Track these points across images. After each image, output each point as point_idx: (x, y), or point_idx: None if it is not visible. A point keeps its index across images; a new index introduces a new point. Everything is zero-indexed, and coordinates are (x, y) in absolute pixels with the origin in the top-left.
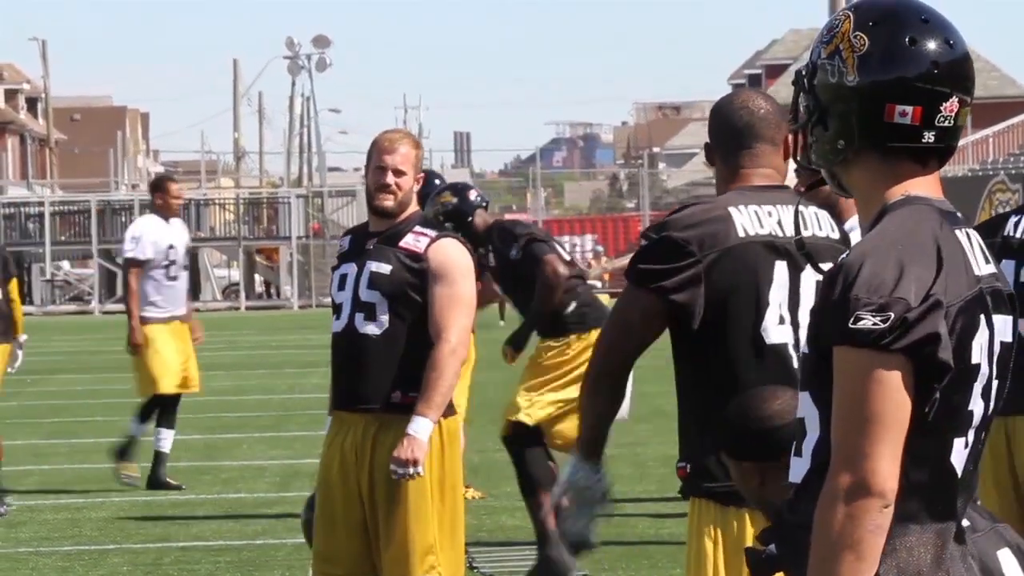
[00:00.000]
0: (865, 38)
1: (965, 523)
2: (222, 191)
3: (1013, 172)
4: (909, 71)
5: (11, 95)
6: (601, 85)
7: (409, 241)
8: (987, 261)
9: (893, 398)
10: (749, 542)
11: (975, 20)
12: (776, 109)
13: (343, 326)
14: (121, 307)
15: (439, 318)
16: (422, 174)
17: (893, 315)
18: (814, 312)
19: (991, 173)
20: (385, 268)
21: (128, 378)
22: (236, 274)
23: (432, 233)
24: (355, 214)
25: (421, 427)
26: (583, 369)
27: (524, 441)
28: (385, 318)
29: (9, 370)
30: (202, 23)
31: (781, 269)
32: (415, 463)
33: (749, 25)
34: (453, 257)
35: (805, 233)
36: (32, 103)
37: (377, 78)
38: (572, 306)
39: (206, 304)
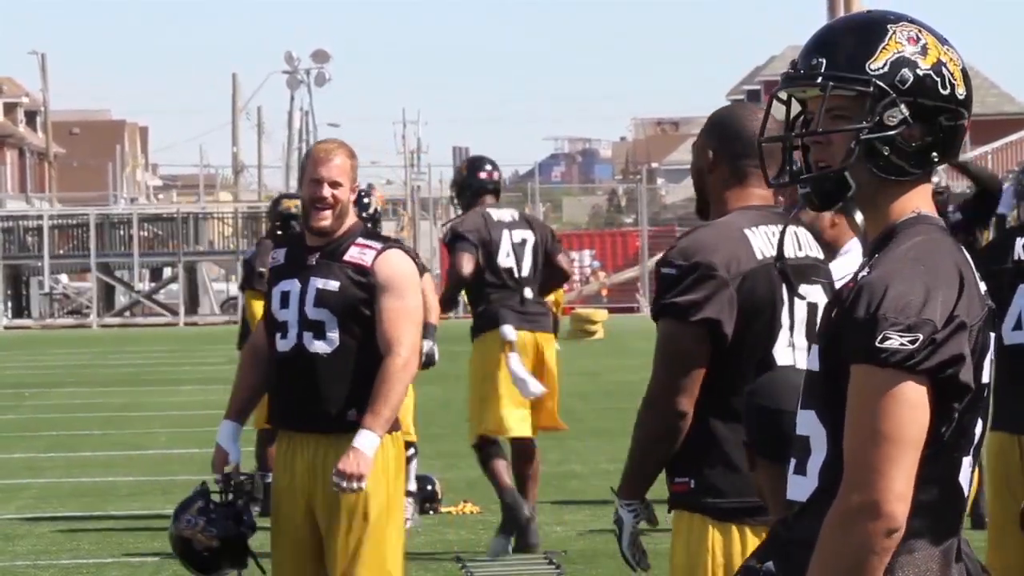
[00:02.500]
0: (954, 53)
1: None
2: (221, 205)
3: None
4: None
5: (10, 109)
6: (599, 100)
7: (354, 255)
8: (981, 279)
9: (913, 419)
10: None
11: (974, 37)
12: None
13: (291, 345)
14: (119, 320)
15: (389, 331)
16: (356, 184)
17: (922, 336)
18: (828, 331)
19: None
20: (332, 284)
21: (126, 392)
22: (234, 288)
23: (377, 245)
24: None
25: (367, 441)
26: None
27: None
28: (335, 336)
29: None
30: (201, 37)
31: (804, 287)
32: (359, 478)
33: (748, 41)
34: (400, 269)
35: (799, 254)
36: (31, 117)
37: (376, 93)
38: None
39: (204, 318)
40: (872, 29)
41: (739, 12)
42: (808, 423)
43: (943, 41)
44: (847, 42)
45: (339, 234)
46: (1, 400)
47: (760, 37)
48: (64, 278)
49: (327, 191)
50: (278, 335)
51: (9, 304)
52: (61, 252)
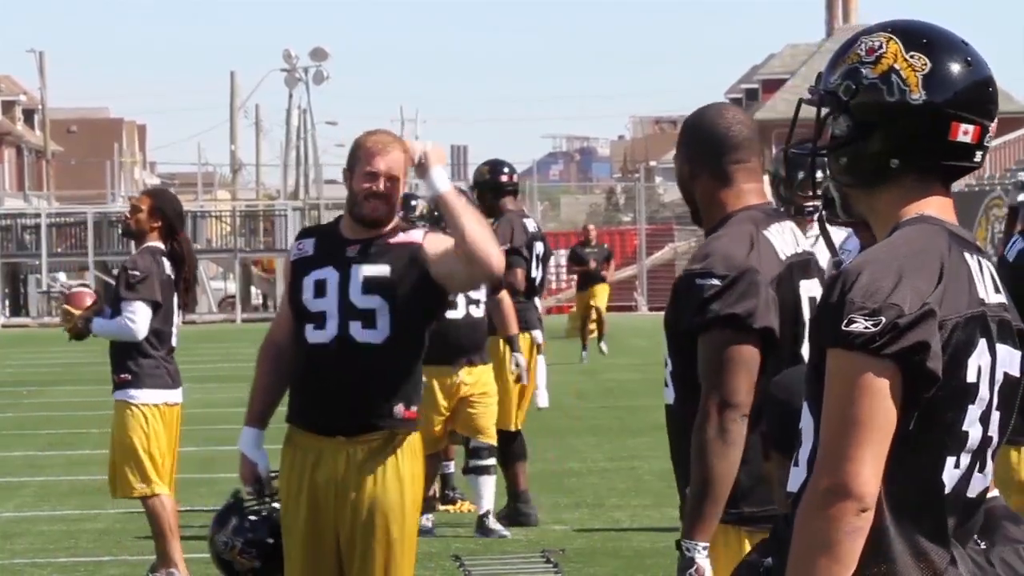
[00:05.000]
0: (925, 58)
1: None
2: (219, 203)
3: (1010, 188)
4: (972, 91)
5: (8, 107)
6: (598, 99)
7: (401, 237)
8: (997, 291)
9: (878, 403)
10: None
11: (972, 35)
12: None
13: (331, 336)
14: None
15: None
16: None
17: (885, 319)
18: (812, 319)
19: (988, 188)
20: (383, 269)
21: None
22: (232, 286)
23: (424, 227)
24: None
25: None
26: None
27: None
28: (386, 324)
29: None
30: (199, 36)
31: (805, 287)
32: (438, 155)
33: (746, 40)
34: (449, 240)
35: (797, 250)
36: (29, 115)
37: (374, 91)
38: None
39: (202, 316)
40: (848, 43)
41: (738, 11)
42: (803, 415)
43: (928, 48)
44: (831, 59)
45: (387, 229)
46: (0, 398)
47: (759, 35)
48: (62, 276)
49: (384, 184)
50: (310, 326)
51: (7, 302)
52: (59, 250)
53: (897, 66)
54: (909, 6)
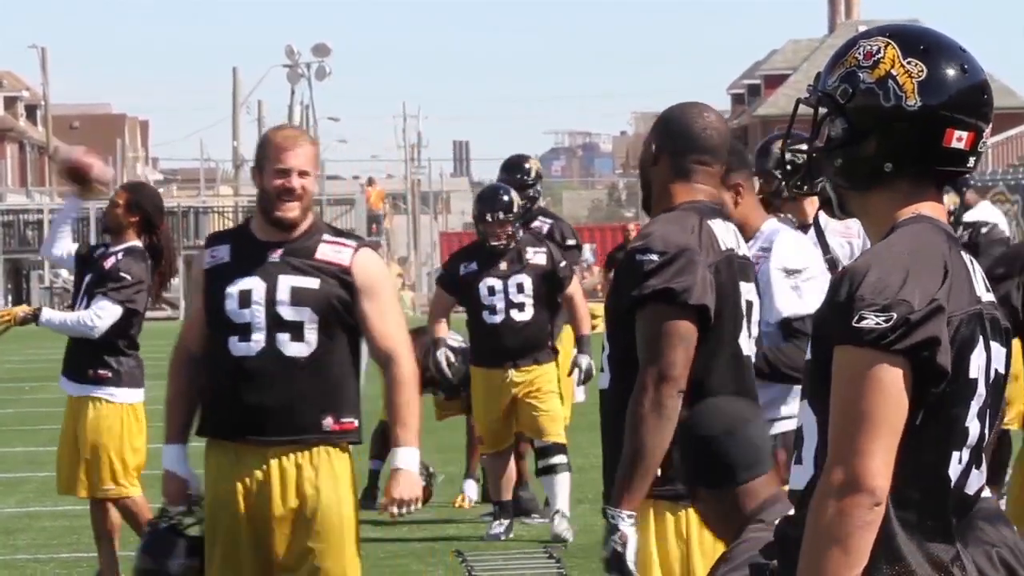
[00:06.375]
0: (921, 64)
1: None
2: (221, 199)
3: (1012, 183)
4: (968, 98)
5: (10, 103)
6: (600, 94)
7: (328, 253)
8: (987, 289)
9: (890, 398)
10: (697, 539)
11: (972, 30)
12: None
13: (258, 348)
14: None
15: (386, 338)
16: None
17: (896, 316)
18: (816, 317)
19: (990, 184)
20: (312, 283)
21: None
22: None
23: (351, 243)
24: (353, 222)
25: (410, 458)
26: None
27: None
28: (314, 337)
29: None
30: (201, 31)
31: (745, 285)
32: (415, 500)
33: (748, 35)
34: (378, 269)
35: (739, 251)
36: (31, 111)
37: (376, 87)
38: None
39: None
40: (846, 45)
41: (740, 6)
42: (803, 412)
43: (921, 53)
44: (829, 59)
45: (303, 229)
46: (1, 394)
47: (761, 31)
48: (64, 272)
49: (296, 181)
50: (234, 338)
51: (9, 298)
52: None
53: (894, 72)
54: (910, 3)
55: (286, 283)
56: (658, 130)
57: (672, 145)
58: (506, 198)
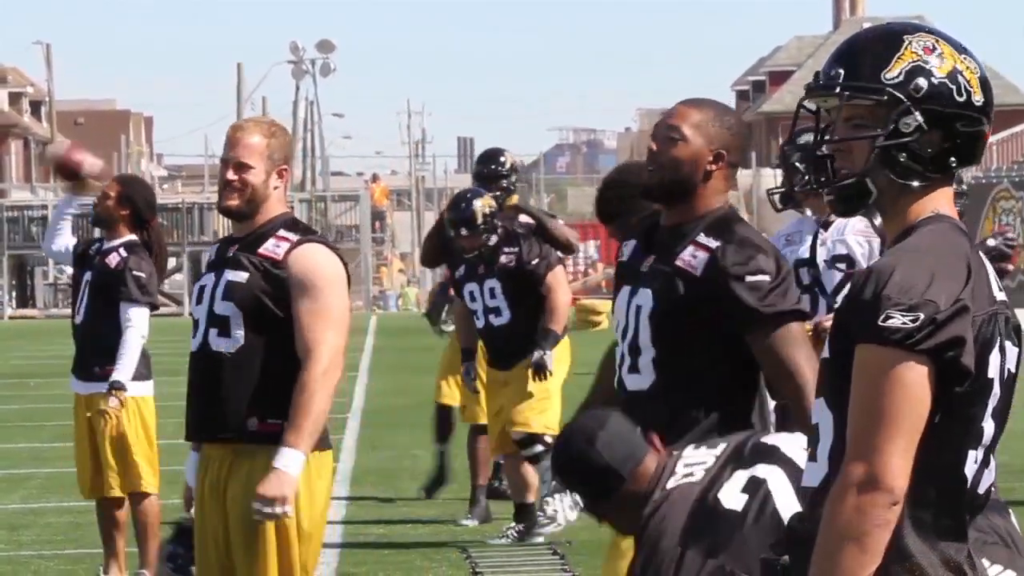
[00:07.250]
0: (973, 61)
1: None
2: None
3: (1017, 180)
4: (991, 95)
5: (15, 99)
6: (604, 91)
7: (269, 247)
8: (1000, 289)
9: (912, 398)
10: None
11: (976, 27)
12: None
13: (198, 344)
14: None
15: (306, 336)
16: (285, 167)
17: (923, 315)
18: (838, 314)
19: (994, 181)
20: (241, 276)
21: None
22: None
23: (293, 237)
24: (358, 219)
25: (290, 460)
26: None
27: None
28: (240, 333)
29: None
30: (206, 28)
31: None
32: (283, 501)
33: (753, 31)
34: (317, 265)
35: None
36: (36, 107)
37: (381, 83)
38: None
39: None
40: (889, 40)
41: (745, 3)
42: (819, 410)
43: (961, 50)
44: (865, 53)
45: (260, 224)
46: (6, 390)
47: (765, 27)
48: (68, 268)
49: (231, 174)
50: (192, 335)
51: (14, 294)
52: None
53: (959, 67)
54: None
55: (224, 278)
56: (729, 129)
57: (737, 155)
58: (468, 212)
